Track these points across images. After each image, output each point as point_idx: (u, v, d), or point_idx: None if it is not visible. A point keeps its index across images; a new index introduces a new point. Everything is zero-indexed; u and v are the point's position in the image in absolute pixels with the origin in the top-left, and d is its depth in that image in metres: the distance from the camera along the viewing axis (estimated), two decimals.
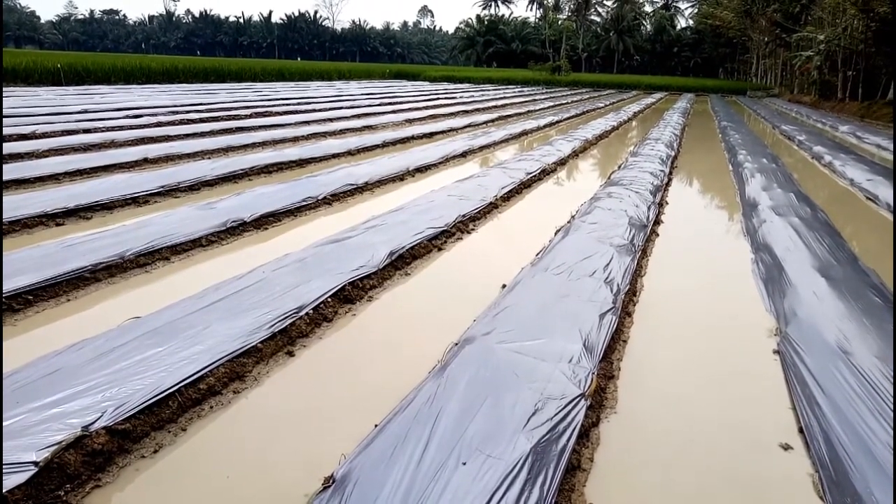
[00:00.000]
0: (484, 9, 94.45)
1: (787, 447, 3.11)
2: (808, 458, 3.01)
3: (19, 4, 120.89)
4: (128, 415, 2.98)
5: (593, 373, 3.51)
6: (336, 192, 8.36)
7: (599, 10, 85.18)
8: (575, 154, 13.62)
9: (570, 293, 4.70)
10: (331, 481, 2.57)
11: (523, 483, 2.54)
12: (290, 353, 3.93)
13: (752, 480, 2.86)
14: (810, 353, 3.91)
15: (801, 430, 3.24)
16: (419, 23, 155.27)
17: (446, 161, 11.95)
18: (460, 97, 32.29)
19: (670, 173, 11.37)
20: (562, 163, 12.26)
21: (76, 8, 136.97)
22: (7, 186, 7.93)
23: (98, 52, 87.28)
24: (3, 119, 12.65)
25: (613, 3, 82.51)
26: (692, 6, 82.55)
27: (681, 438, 3.19)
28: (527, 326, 4.04)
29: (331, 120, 18.18)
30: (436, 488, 2.49)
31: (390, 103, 25.49)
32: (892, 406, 3.24)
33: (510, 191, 8.97)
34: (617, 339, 4.22)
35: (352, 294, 4.83)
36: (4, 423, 2.82)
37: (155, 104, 19.97)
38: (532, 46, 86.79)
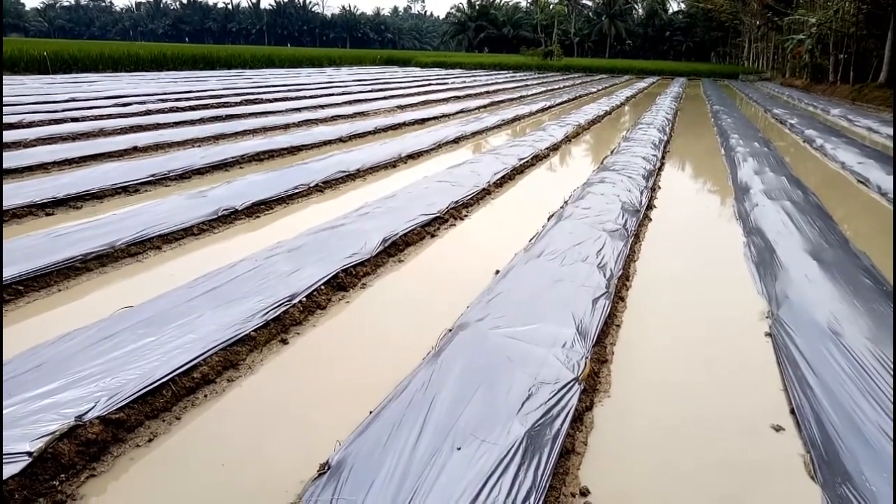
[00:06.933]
0: None
1: (778, 428, 3.14)
2: (800, 439, 3.04)
3: None
4: (121, 404, 2.98)
5: (587, 357, 3.53)
6: (328, 180, 8.32)
7: None
8: (567, 139, 13.59)
9: (564, 278, 4.70)
10: (326, 467, 2.57)
11: (518, 467, 2.55)
12: (284, 341, 3.92)
13: (745, 461, 2.89)
14: (802, 336, 3.94)
15: (792, 412, 3.27)
16: (410, 8, 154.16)
17: (438, 147, 11.91)
18: (452, 83, 32.12)
19: (663, 158, 11.37)
20: (554, 148, 12.24)
21: None
22: None
23: (85, 40, 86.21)
24: None
25: None
26: None
27: (674, 421, 3.21)
28: (520, 312, 4.04)
29: (322, 107, 18.06)
30: (431, 473, 2.50)
31: (381, 90, 25.35)
32: (883, 389, 3.27)
33: (503, 177, 8.95)
34: (610, 324, 4.23)
35: (345, 281, 4.82)
36: None
37: (144, 92, 19.78)
38: (524, 31, 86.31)
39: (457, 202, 7.23)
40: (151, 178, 7.99)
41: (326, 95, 21.60)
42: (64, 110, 14.44)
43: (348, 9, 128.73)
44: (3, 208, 6.22)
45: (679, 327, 4.36)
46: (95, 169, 8.28)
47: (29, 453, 2.57)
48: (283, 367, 3.65)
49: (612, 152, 11.25)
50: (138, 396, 3.06)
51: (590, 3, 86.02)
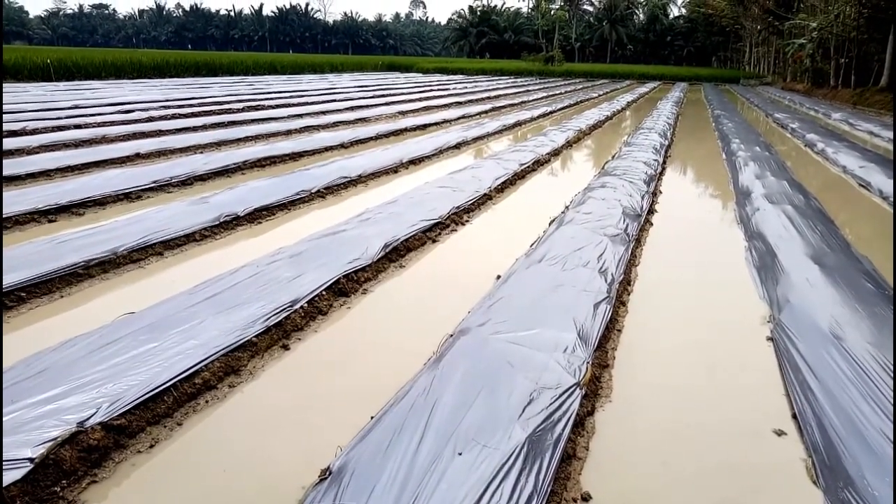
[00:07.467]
0: None
1: (780, 433, 3.13)
2: (802, 444, 3.04)
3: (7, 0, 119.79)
4: (123, 410, 2.98)
5: (588, 362, 3.52)
6: (329, 186, 8.33)
7: None
8: (569, 144, 13.61)
9: (565, 283, 4.70)
10: (327, 473, 2.57)
11: (519, 472, 2.55)
12: (286, 347, 3.93)
13: (747, 466, 2.88)
14: (803, 340, 3.94)
15: (794, 416, 3.26)
16: (411, 14, 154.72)
17: (440, 153, 11.93)
18: (453, 88, 32.19)
19: (664, 162, 11.38)
20: (556, 153, 12.26)
21: (65, 3, 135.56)
22: None
23: (88, 48, 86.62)
24: None
25: None
26: None
27: (675, 426, 3.20)
28: (521, 317, 4.04)
29: (323, 113, 18.09)
30: (432, 479, 2.50)
31: (383, 95, 25.40)
32: (886, 393, 3.27)
33: (504, 182, 8.96)
34: (611, 329, 4.23)
35: (346, 287, 4.82)
36: None
37: (146, 99, 19.85)
38: (525, 37, 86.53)
39: (458, 207, 7.24)
40: (154, 185, 8.01)
41: (328, 102, 21.64)
42: (67, 117, 14.50)
43: (350, 15, 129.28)
44: (7, 215, 6.24)
45: (681, 332, 4.35)
46: (98, 175, 8.30)
47: (30, 459, 2.57)
48: (284, 373, 3.66)
49: (613, 157, 11.26)
50: (140, 402, 3.07)
51: (591, 9, 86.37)
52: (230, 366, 3.57)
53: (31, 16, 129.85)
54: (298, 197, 7.65)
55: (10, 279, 4.47)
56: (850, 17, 30.68)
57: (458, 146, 12.86)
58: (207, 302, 4.22)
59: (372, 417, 2.98)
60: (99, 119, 14.41)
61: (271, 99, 21.75)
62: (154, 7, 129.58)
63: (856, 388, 3.32)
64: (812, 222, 6.82)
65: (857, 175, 10.36)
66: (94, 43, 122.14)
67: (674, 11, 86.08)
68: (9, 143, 10.56)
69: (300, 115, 17.17)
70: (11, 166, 8.60)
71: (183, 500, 2.62)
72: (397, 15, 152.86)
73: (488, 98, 26.54)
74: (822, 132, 16.39)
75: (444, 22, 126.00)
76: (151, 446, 2.93)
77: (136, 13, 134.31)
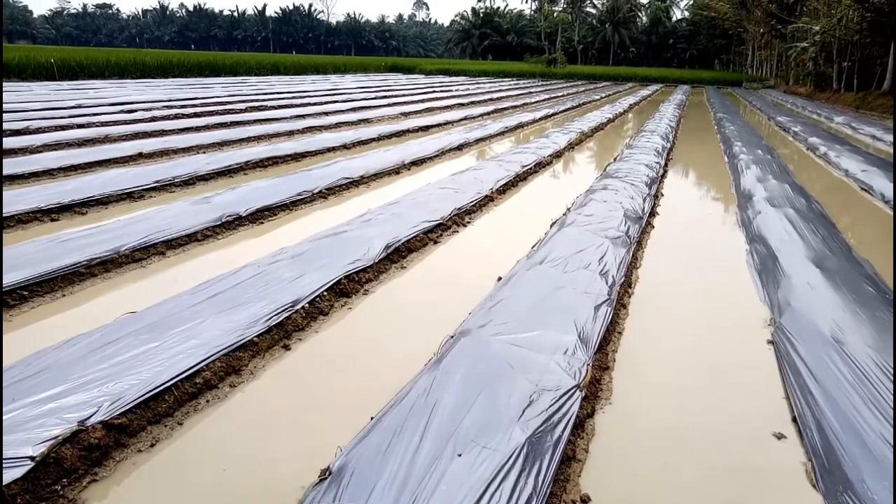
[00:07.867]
0: (479, 1, 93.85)
1: (780, 436, 3.13)
2: (802, 447, 3.04)
3: None
4: (124, 409, 2.99)
5: (588, 364, 3.53)
6: (331, 186, 8.35)
7: (595, 1, 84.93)
8: (570, 146, 13.61)
9: (566, 285, 4.71)
10: (327, 473, 2.58)
11: (518, 474, 2.56)
12: (286, 347, 3.94)
13: (746, 469, 2.88)
14: (804, 343, 3.94)
15: (794, 420, 3.26)
16: (414, 16, 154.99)
17: (442, 154, 11.94)
18: (456, 90, 32.20)
19: (666, 165, 11.38)
20: (557, 155, 12.26)
21: (69, 2, 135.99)
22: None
23: (91, 47, 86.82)
24: None
25: None
26: None
27: (675, 428, 3.20)
28: (522, 319, 4.05)
29: (326, 114, 18.11)
30: (431, 479, 2.51)
31: (386, 97, 25.42)
32: (886, 397, 3.26)
33: (506, 183, 8.97)
34: (612, 331, 4.23)
35: (348, 287, 4.83)
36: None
37: (149, 98, 19.88)
38: (528, 39, 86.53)
39: (460, 209, 7.25)
40: (156, 185, 8.03)
41: (331, 102, 21.66)
42: (70, 117, 14.53)
43: (353, 16, 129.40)
44: (10, 213, 6.26)
45: (681, 335, 4.36)
46: (101, 175, 8.32)
47: (31, 458, 2.58)
48: (285, 373, 3.66)
49: (615, 159, 11.26)
50: (141, 401, 3.08)
51: (594, 11, 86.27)
52: (231, 365, 3.58)
53: (35, 15, 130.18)
54: (300, 197, 7.66)
55: (12, 278, 4.48)
56: (852, 20, 30.68)
57: (460, 147, 12.87)
58: (209, 301, 4.23)
59: (372, 418, 2.99)
60: (102, 118, 14.43)
61: (274, 99, 21.77)
62: (158, 7, 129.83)
63: (856, 391, 3.32)
64: (813, 226, 6.82)
65: (858, 179, 10.35)
66: (98, 42, 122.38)
67: (676, 14, 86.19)
68: (12, 141, 10.59)
69: (303, 116, 17.20)
70: (14, 165, 8.63)
71: (183, 500, 2.63)
72: (400, 16, 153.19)
73: (490, 100, 26.55)
74: (824, 136, 16.38)
75: (446, 23, 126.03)
76: (152, 445, 2.94)
77: (140, 13, 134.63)
